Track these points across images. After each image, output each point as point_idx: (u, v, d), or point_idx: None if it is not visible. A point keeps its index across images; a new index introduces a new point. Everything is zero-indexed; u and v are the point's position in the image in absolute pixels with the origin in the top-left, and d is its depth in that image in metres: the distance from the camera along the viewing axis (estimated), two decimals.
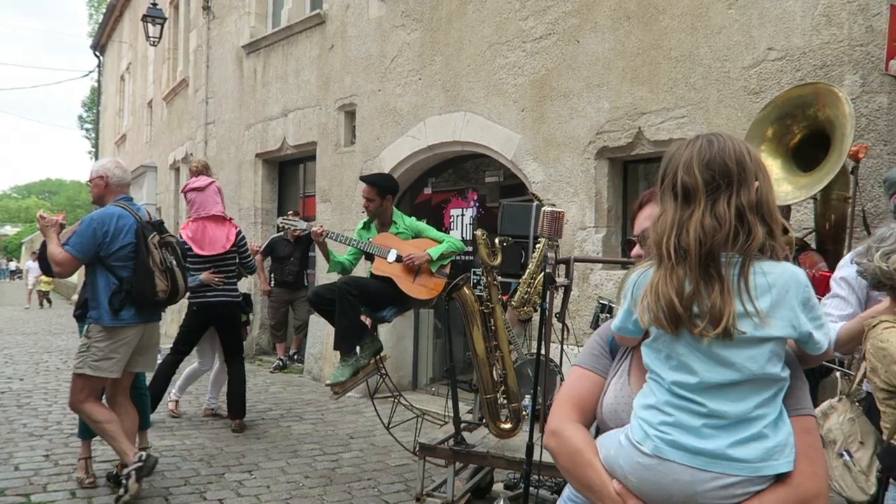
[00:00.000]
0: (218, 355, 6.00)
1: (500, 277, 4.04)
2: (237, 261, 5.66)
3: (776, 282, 1.24)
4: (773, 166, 3.65)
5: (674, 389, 1.24)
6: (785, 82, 4.34)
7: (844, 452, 2.21)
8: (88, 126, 32.66)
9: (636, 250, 1.57)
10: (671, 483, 1.22)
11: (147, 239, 3.95)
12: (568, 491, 1.45)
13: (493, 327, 3.58)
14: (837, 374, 3.46)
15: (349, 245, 4.52)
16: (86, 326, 4.02)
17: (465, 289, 3.61)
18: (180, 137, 12.67)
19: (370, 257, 4.48)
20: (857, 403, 2.45)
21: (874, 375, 2.14)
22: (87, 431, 4.22)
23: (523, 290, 3.75)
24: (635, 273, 1.33)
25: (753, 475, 1.20)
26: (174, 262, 4.08)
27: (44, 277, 19.46)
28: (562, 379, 4.05)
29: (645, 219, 1.55)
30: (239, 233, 5.69)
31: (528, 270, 3.51)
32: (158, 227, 4.16)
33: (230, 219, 5.74)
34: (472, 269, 4.54)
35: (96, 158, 22.93)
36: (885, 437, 2.18)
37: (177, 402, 6.08)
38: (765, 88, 4.45)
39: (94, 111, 26.48)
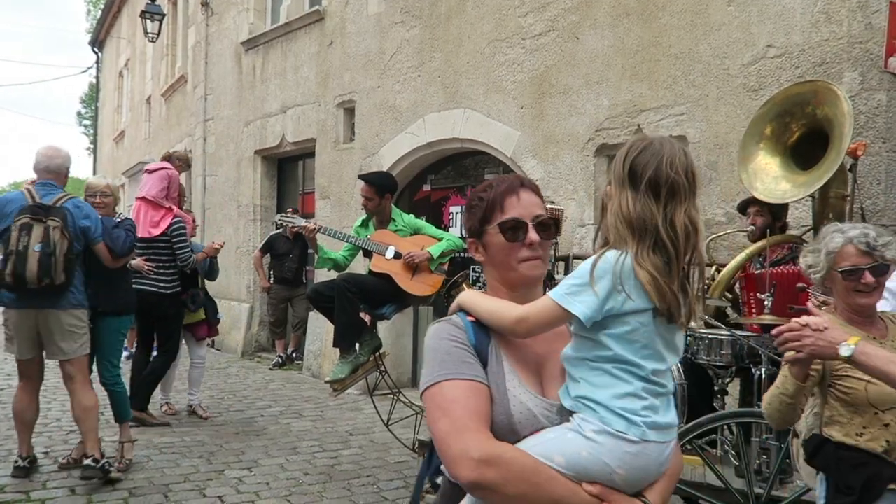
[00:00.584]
0: (188, 348, 6.03)
1: None
2: (173, 251, 5.45)
3: None
4: (772, 164, 3.64)
5: (650, 377, 1.29)
6: (784, 79, 4.34)
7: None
8: (87, 123, 32.60)
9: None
10: (650, 462, 1.29)
11: (15, 221, 3.92)
12: None
13: None
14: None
15: (346, 241, 4.52)
16: None
17: (464, 286, 3.62)
18: (179, 134, 12.65)
19: (368, 254, 4.48)
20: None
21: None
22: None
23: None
24: (613, 256, 1.28)
25: (674, 437, 1.36)
26: (27, 246, 3.84)
27: None
28: None
29: None
30: (175, 223, 5.45)
31: None
32: (46, 209, 3.97)
33: (170, 208, 5.52)
34: (472, 267, 4.54)
35: (95, 155, 22.89)
36: (801, 426, 2.32)
37: (167, 403, 6.05)
38: (764, 86, 4.45)
39: (93, 108, 26.43)
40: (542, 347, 1.40)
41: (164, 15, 12.84)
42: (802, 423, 2.31)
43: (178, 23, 13.55)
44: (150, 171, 5.72)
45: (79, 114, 34.76)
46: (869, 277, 2.15)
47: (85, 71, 23.26)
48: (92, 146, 24.67)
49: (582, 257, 4.97)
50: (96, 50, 21.67)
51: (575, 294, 1.27)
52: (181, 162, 6.07)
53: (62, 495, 3.98)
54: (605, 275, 1.26)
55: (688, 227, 1.29)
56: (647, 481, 1.31)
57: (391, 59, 7.31)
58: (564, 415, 1.32)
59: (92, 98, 27.01)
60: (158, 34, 12.83)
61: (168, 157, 5.96)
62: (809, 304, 2.20)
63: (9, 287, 3.94)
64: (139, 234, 5.02)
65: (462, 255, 6.27)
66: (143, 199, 5.51)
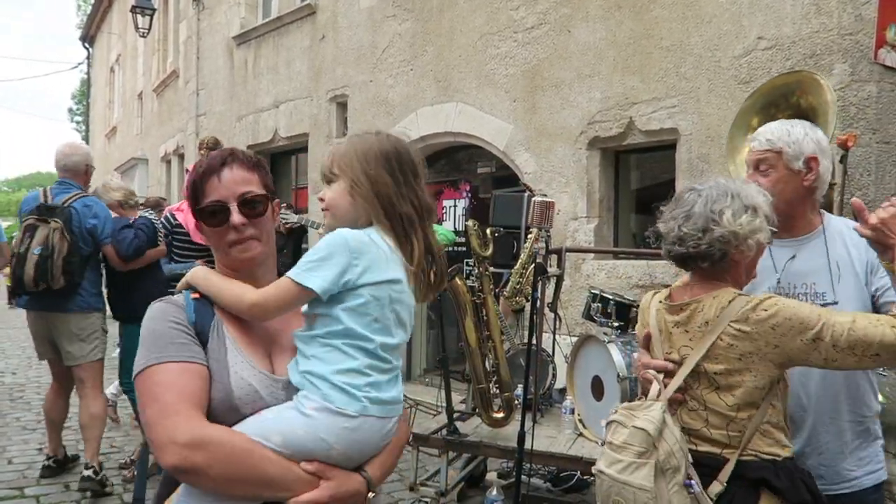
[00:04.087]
0: None
1: (491, 268, 4.05)
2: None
3: None
4: None
5: (378, 352, 1.31)
6: (775, 71, 4.35)
7: (691, 482, 1.59)
8: (79, 119, 32.42)
9: None
10: (370, 437, 1.32)
11: (23, 223, 3.94)
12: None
13: (485, 318, 3.59)
14: None
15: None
16: None
17: (457, 279, 3.62)
18: (171, 129, 12.60)
19: None
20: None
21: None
22: None
23: (515, 280, 3.76)
24: (349, 232, 1.32)
25: (399, 412, 1.39)
26: (28, 248, 3.81)
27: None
28: (554, 369, 4.07)
29: None
30: None
31: (519, 261, 3.53)
32: (51, 210, 3.93)
33: None
34: (465, 260, 4.55)
35: None
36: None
37: None
38: (755, 78, 4.46)
39: (84, 104, 26.29)
40: (275, 323, 1.38)
41: (154, 10, 12.76)
42: (679, 455, 1.59)
43: (169, 17, 13.48)
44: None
45: (70, 110, 34.59)
46: None
47: (76, 67, 23.24)
48: (84, 142, 24.55)
49: (574, 250, 4.99)
50: (87, 45, 21.53)
51: (311, 270, 1.29)
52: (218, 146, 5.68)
53: (56, 492, 3.98)
54: (340, 249, 1.29)
55: (421, 204, 1.40)
56: (368, 455, 1.33)
57: (383, 52, 7.29)
58: (291, 391, 1.30)
59: (83, 94, 26.86)
60: (149, 29, 12.75)
61: (215, 144, 5.27)
62: None
63: (12, 290, 3.93)
64: (194, 239, 4.68)
65: (455, 248, 6.28)
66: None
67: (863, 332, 1.56)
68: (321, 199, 1.43)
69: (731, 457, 1.65)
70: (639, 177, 5.81)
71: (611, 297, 3.89)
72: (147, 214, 4.45)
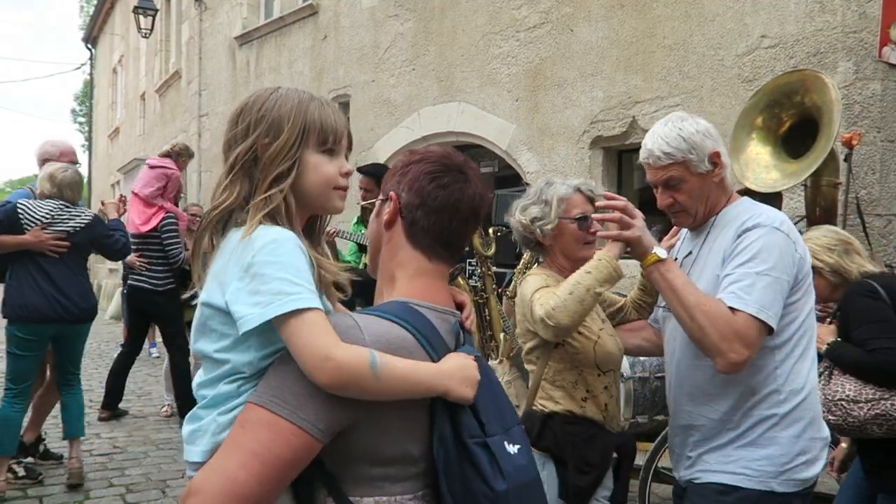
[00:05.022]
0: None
1: (494, 268, 4.04)
2: (163, 248, 5.30)
3: (225, 246, 1.12)
4: (763, 154, 3.65)
5: None
6: (778, 70, 4.34)
7: None
8: (82, 120, 32.47)
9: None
10: None
11: None
12: None
13: (488, 318, 3.59)
14: None
15: (354, 241, 4.51)
16: None
17: (459, 279, 3.61)
18: (174, 130, 12.61)
19: (364, 249, 4.48)
20: (515, 367, 2.48)
21: (523, 330, 2.06)
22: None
23: (518, 279, 3.75)
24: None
25: (187, 459, 1.14)
26: None
27: None
28: None
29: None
30: (166, 219, 5.31)
31: (522, 260, 3.51)
32: None
33: (161, 206, 5.36)
34: (467, 260, 4.54)
35: (90, 152, 22.79)
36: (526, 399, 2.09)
37: (169, 405, 5.80)
38: (758, 76, 4.44)
39: (87, 105, 26.33)
40: None
41: (156, 10, 12.78)
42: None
43: (171, 18, 13.49)
44: (151, 167, 5.57)
45: (73, 111, 34.64)
46: (596, 225, 2.04)
47: (78, 68, 23.27)
48: (87, 143, 24.58)
49: None
50: (90, 46, 21.56)
51: None
52: (183, 155, 5.81)
53: (59, 492, 3.98)
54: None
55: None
56: None
57: (385, 52, 7.28)
58: None
59: (86, 95, 26.90)
60: (151, 30, 12.76)
61: (168, 154, 5.74)
62: None
63: None
64: (129, 230, 4.69)
65: None
66: (136, 195, 5.46)
67: (535, 303, 1.87)
68: (349, 173, 1.29)
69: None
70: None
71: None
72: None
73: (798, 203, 4.14)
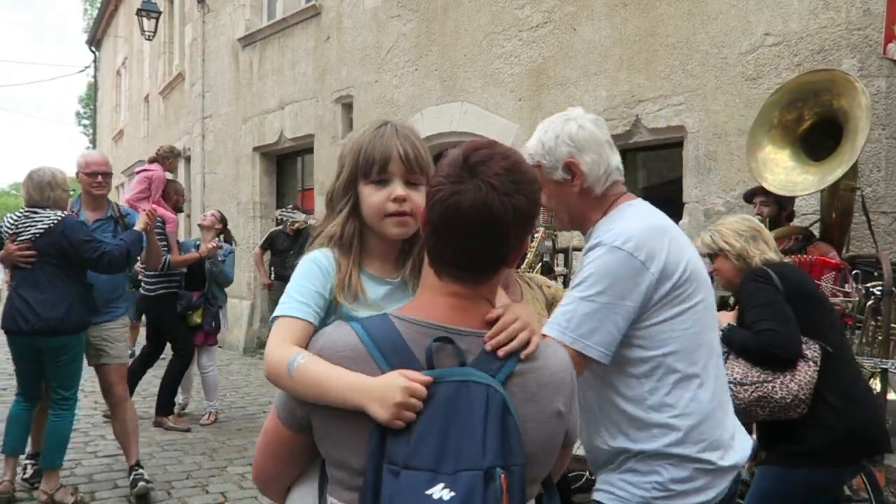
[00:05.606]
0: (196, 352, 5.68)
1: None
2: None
3: None
4: (782, 155, 3.61)
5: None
6: (782, 67, 4.33)
7: None
8: (86, 122, 32.57)
9: None
10: None
11: None
12: None
13: None
14: None
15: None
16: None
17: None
18: (177, 132, 12.63)
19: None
20: None
21: None
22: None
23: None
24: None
25: None
26: None
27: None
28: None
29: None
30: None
31: (526, 260, 3.51)
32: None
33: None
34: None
35: None
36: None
37: (211, 412, 5.71)
38: (762, 74, 4.43)
39: (91, 107, 26.41)
40: None
41: (160, 12, 12.80)
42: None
43: (174, 20, 13.51)
44: (136, 173, 5.68)
45: (78, 113, 34.74)
46: None
47: (82, 70, 23.28)
48: (91, 145, 24.65)
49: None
50: (93, 49, 21.63)
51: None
52: (168, 157, 5.82)
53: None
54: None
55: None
56: None
57: (388, 53, 7.29)
58: None
59: (90, 97, 26.99)
60: (155, 32, 12.80)
61: (155, 159, 5.79)
62: None
63: None
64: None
65: None
66: (127, 202, 5.45)
67: None
68: (402, 199, 1.25)
69: None
70: (646, 175, 5.78)
71: None
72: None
73: (803, 201, 4.12)
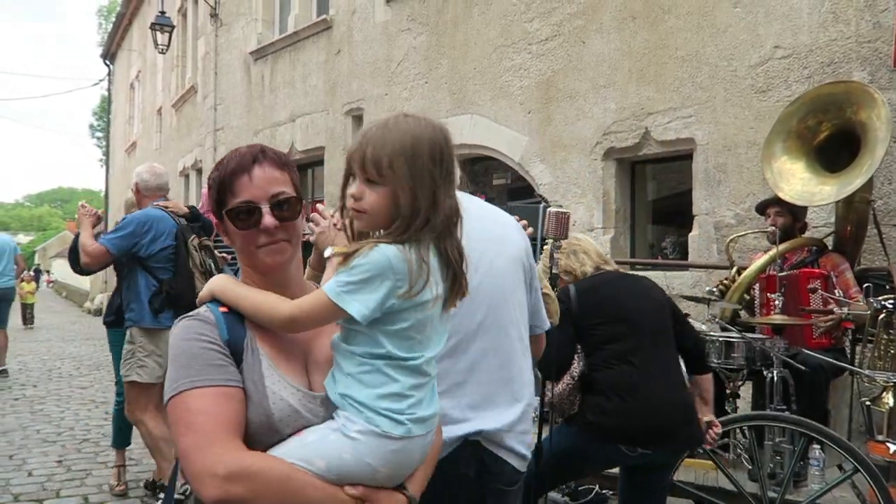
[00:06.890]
0: None
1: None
2: None
3: None
4: (798, 166, 3.60)
5: (419, 369, 1.24)
6: (792, 80, 4.33)
7: None
8: (99, 135, 32.92)
9: None
10: (413, 455, 1.27)
11: (187, 242, 3.91)
12: None
13: None
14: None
15: None
16: (127, 331, 3.93)
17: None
18: (189, 144, 12.75)
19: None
20: None
21: None
22: (120, 440, 4.23)
23: None
24: (390, 250, 1.19)
25: (436, 424, 1.32)
26: (213, 266, 3.90)
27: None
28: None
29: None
30: None
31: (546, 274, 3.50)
32: (198, 229, 4.03)
33: None
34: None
35: (107, 167, 23.08)
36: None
37: None
38: (772, 87, 4.43)
39: (105, 120, 26.70)
40: (307, 333, 1.31)
41: (173, 26, 12.95)
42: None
43: (187, 34, 13.68)
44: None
45: (91, 126, 35.15)
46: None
47: (96, 83, 23.51)
48: (104, 158, 24.90)
49: None
50: (108, 62, 21.89)
51: (352, 293, 1.17)
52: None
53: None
54: (385, 271, 1.17)
55: (454, 208, 1.27)
56: (411, 471, 1.29)
57: (398, 66, 7.34)
58: (330, 407, 1.25)
59: (104, 110, 27.28)
60: (168, 45, 12.94)
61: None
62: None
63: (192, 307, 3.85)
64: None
65: None
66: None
67: None
68: (354, 197, 1.30)
69: None
70: (655, 187, 5.78)
71: None
72: None
73: (813, 214, 4.10)
